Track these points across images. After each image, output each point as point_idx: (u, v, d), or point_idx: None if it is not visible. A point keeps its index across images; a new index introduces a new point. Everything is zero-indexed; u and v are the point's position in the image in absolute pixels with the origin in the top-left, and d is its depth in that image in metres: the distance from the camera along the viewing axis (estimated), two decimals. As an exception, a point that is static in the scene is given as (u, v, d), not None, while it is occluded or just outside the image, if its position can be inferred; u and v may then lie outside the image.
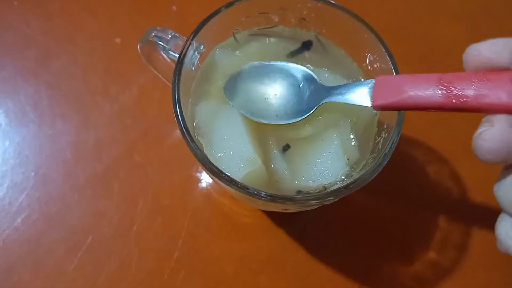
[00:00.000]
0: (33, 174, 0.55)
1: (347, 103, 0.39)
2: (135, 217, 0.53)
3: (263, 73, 0.45)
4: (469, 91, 0.29)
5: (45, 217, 0.53)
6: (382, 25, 0.47)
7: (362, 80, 0.38)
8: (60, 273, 0.50)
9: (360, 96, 0.37)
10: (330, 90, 0.41)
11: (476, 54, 0.30)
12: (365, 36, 0.44)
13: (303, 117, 0.42)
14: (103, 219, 0.53)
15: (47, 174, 0.55)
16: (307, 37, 0.49)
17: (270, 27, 0.49)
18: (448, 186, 0.57)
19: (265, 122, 0.43)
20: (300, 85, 0.43)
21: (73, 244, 0.52)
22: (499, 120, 0.28)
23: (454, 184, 0.57)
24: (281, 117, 0.43)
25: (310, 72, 0.43)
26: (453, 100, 0.30)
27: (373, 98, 0.35)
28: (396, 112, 0.41)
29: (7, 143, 0.56)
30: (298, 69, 0.44)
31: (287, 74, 0.44)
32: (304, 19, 0.48)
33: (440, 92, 0.31)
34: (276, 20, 0.49)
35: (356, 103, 0.38)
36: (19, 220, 0.52)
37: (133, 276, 0.51)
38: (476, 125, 0.58)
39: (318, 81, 0.43)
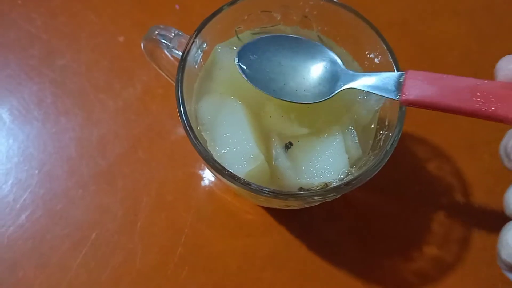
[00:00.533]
0: (37, 171, 0.55)
1: (370, 92, 0.38)
2: (139, 213, 0.54)
3: (283, 46, 0.43)
4: (503, 103, 0.29)
5: (49, 213, 0.53)
6: (383, 22, 0.47)
7: (391, 72, 0.37)
8: (64, 269, 0.51)
9: (387, 87, 0.36)
10: (354, 76, 0.40)
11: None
12: (366, 33, 0.44)
13: (323, 99, 0.41)
14: (107, 215, 0.53)
15: (51, 171, 0.55)
16: (309, 36, 0.49)
17: (272, 26, 0.49)
18: (450, 182, 0.57)
19: (283, 99, 0.41)
20: (322, 65, 0.42)
21: (77, 240, 0.52)
22: None
23: (456, 180, 0.57)
24: (300, 96, 0.41)
25: (333, 53, 0.42)
26: (484, 109, 0.30)
27: (402, 92, 0.34)
28: (397, 109, 0.41)
29: (11, 140, 0.57)
30: (321, 48, 0.42)
31: (309, 51, 0.42)
32: (306, 16, 0.48)
33: (472, 99, 0.30)
34: (279, 18, 0.49)
35: (381, 94, 0.37)
36: (23, 216, 0.53)
37: (137, 271, 0.51)
38: (478, 121, 0.58)
39: (341, 65, 0.41)
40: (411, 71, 0.34)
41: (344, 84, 0.40)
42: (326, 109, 0.44)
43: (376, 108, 0.45)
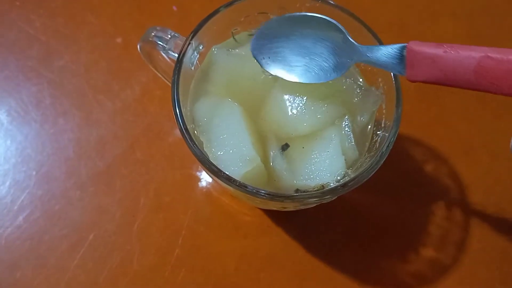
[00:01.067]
0: (34, 172, 0.55)
1: (377, 66, 0.38)
2: (137, 214, 0.54)
3: (291, 27, 0.42)
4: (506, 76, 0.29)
5: (47, 214, 0.53)
6: (381, 25, 0.47)
7: (393, 44, 0.37)
8: (62, 270, 0.51)
9: (392, 62, 0.36)
10: (361, 50, 0.39)
11: None
12: (363, 35, 0.44)
13: (337, 76, 0.41)
14: (105, 216, 0.54)
15: (49, 172, 0.55)
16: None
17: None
18: (447, 184, 0.57)
19: (299, 81, 0.42)
20: (332, 43, 0.41)
21: (75, 241, 0.52)
22: None
23: (453, 182, 0.57)
24: (314, 76, 0.42)
25: (340, 25, 0.41)
26: (489, 84, 0.30)
27: (406, 68, 0.35)
28: (394, 111, 0.41)
29: (9, 141, 0.57)
30: (327, 22, 0.41)
31: (316, 28, 0.41)
32: (303, 18, 0.48)
33: (475, 76, 0.30)
34: (275, 19, 0.49)
35: (387, 69, 0.37)
36: (21, 218, 0.53)
37: (135, 272, 0.51)
38: (475, 123, 0.59)
39: (349, 37, 0.40)
40: (414, 46, 0.34)
41: (354, 59, 0.40)
42: (323, 110, 0.44)
43: (373, 110, 0.45)
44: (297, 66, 0.42)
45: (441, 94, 0.61)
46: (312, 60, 0.42)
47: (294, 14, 0.42)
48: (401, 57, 0.36)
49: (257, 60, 0.43)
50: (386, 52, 0.37)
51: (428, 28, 0.68)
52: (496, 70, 0.29)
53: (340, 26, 0.40)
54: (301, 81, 0.42)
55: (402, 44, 0.36)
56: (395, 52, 0.36)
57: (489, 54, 0.30)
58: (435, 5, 0.69)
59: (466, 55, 0.31)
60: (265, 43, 0.43)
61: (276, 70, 0.42)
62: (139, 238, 0.53)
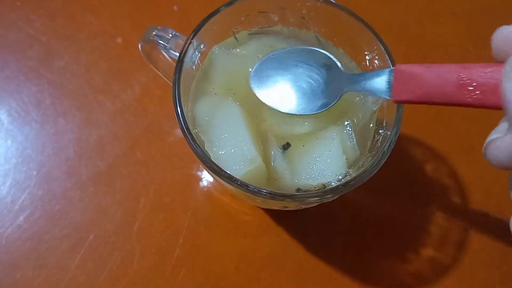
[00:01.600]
0: (35, 172, 0.55)
1: (366, 93, 0.38)
2: (137, 214, 0.54)
3: (287, 60, 0.43)
4: (488, 87, 0.29)
5: (47, 214, 0.53)
6: (381, 24, 0.47)
7: (381, 70, 0.37)
8: (62, 270, 0.51)
9: (379, 87, 0.36)
10: (351, 79, 0.40)
11: (505, 38, 0.29)
12: (364, 35, 0.45)
13: (328, 107, 0.41)
14: (105, 216, 0.54)
15: (50, 172, 0.55)
16: (306, 37, 0.50)
17: (269, 27, 0.49)
18: (447, 184, 0.57)
19: (290, 113, 0.43)
20: (324, 74, 0.42)
21: (75, 241, 0.52)
22: None
23: (453, 182, 0.57)
24: (305, 108, 0.42)
25: (334, 58, 0.42)
26: (474, 96, 0.30)
27: (393, 91, 0.35)
28: (395, 111, 0.41)
29: (9, 142, 0.57)
30: (322, 54, 0.43)
31: (311, 61, 0.43)
32: (303, 18, 0.48)
33: (460, 90, 0.30)
34: (276, 19, 0.49)
35: (375, 94, 0.37)
36: (21, 218, 0.53)
37: (135, 272, 0.51)
38: (475, 123, 0.59)
39: (342, 69, 0.41)
40: (398, 66, 0.35)
41: (344, 89, 0.40)
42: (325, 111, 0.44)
43: (374, 109, 0.46)
44: (291, 98, 0.43)
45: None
46: (304, 93, 0.43)
47: (290, 48, 0.44)
48: (388, 81, 0.36)
49: (255, 92, 0.44)
50: (376, 78, 0.37)
51: (428, 28, 0.68)
52: (477, 82, 0.30)
53: (333, 58, 0.42)
54: (294, 113, 0.43)
55: (390, 68, 0.36)
56: (384, 77, 0.36)
57: (471, 67, 0.30)
58: (435, 5, 0.69)
59: (447, 69, 0.31)
60: (261, 77, 0.44)
61: (271, 102, 0.43)
62: (139, 238, 0.53)
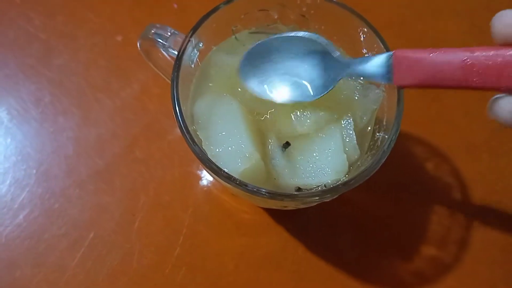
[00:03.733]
0: (34, 171, 0.55)
1: (365, 78, 0.38)
2: (137, 213, 0.54)
3: (276, 48, 0.42)
4: (493, 69, 0.30)
5: (47, 213, 0.53)
6: (382, 22, 0.47)
7: (380, 54, 0.37)
8: (61, 268, 0.51)
9: (379, 71, 0.36)
10: (348, 65, 0.39)
11: (506, 23, 0.31)
12: (364, 32, 0.44)
13: (324, 93, 0.41)
14: (104, 214, 0.53)
15: (49, 170, 0.55)
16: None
17: (269, 25, 0.49)
18: (448, 182, 0.57)
19: (283, 102, 0.42)
20: (318, 60, 0.41)
21: (74, 240, 0.52)
22: None
23: (454, 180, 0.57)
24: (300, 95, 0.42)
25: (325, 43, 0.41)
26: (478, 79, 0.31)
27: (394, 76, 0.35)
28: (395, 109, 0.41)
29: (9, 140, 0.57)
30: (312, 40, 0.41)
31: (304, 48, 0.42)
32: (303, 15, 0.48)
33: (464, 72, 0.31)
34: (276, 17, 0.49)
35: (374, 79, 0.37)
36: (21, 216, 0.53)
37: (135, 271, 0.51)
38: (476, 121, 0.58)
39: (334, 55, 0.40)
40: (399, 52, 0.35)
41: (340, 75, 0.40)
42: (324, 109, 0.44)
43: (374, 108, 0.45)
44: (284, 86, 0.42)
45: (442, 91, 0.61)
46: (299, 80, 0.42)
47: (278, 35, 0.42)
48: (387, 66, 0.36)
49: (245, 85, 0.43)
50: (373, 62, 0.37)
51: (429, 25, 0.67)
52: (482, 64, 0.30)
53: (324, 43, 0.41)
54: (290, 101, 0.42)
55: (388, 53, 0.36)
56: (382, 61, 0.36)
57: (475, 50, 0.31)
58: (436, 1, 0.69)
59: (452, 54, 0.32)
60: (251, 67, 0.43)
61: (263, 93, 0.43)
62: (138, 237, 0.52)
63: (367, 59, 0.38)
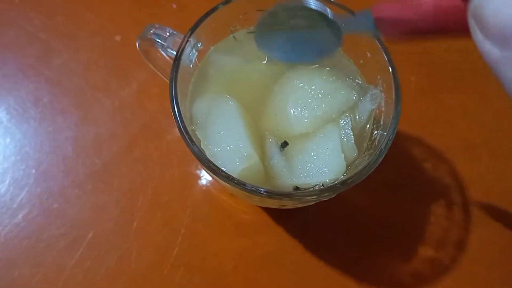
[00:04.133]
0: (33, 170, 0.55)
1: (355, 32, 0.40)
2: (135, 212, 0.54)
3: (285, 18, 0.42)
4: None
5: (45, 213, 0.53)
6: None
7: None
8: (60, 268, 0.51)
9: (367, 25, 0.37)
10: (342, 23, 0.40)
11: None
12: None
13: (334, 50, 0.42)
14: (103, 214, 0.53)
15: (48, 170, 0.55)
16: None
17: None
18: (447, 183, 0.57)
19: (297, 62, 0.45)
20: (319, 25, 0.41)
21: (73, 240, 0.52)
22: None
23: (453, 181, 0.57)
24: (308, 56, 0.44)
25: (321, 8, 0.41)
26: (450, 22, 0.31)
27: (379, 28, 0.36)
28: (393, 109, 0.41)
29: (8, 139, 0.57)
30: (314, 10, 0.41)
31: (307, 18, 0.42)
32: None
33: (437, 19, 0.32)
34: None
35: (367, 31, 0.38)
36: (20, 216, 0.53)
37: (133, 271, 0.51)
38: (475, 121, 0.58)
39: (330, 17, 0.41)
40: (376, 12, 0.36)
41: (342, 32, 0.40)
42: (322, 109, 0.44)
43: (372, 108, 0.45)
44: (296, 50, 0.43)
45: (441, 91, 0.61)
46: (309, 43, 0.43)
47: (285, 4, 0.42)
48: (371, 19, 0.37)
49: (264, 52, 0.45)
50: (359, 19, 0.38)
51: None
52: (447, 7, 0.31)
53: (321, 9, 0.41)
54: (303, 62, 0.45)
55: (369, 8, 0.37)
56: (366, 15, 0.37)
57: None
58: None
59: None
60: (265, 37, 0.43)
61: (279, 56, 0.44)
62: (137, 237, 0.52)
63: (355, 16, 0.40)
